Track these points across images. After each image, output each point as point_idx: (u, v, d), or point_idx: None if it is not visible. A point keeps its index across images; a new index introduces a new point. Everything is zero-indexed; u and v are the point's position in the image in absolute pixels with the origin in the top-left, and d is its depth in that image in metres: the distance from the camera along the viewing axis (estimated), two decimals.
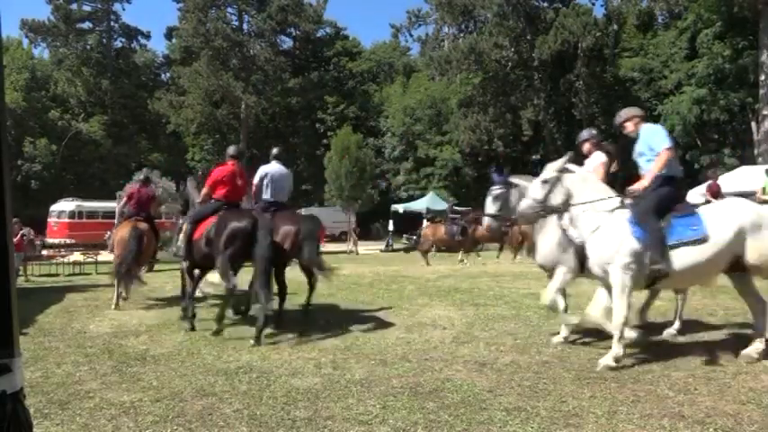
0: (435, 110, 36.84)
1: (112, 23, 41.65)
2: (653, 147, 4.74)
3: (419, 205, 26.64)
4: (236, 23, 39.13)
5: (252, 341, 5.19)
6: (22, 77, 37.42)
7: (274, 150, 7.04)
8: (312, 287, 6.64)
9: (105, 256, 15.75)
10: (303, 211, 36.30)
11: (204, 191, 6.36)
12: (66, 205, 26.53)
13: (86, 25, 41.10)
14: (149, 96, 42.57)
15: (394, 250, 24.20)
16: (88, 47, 40.31)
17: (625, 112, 5.08)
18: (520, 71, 34.20)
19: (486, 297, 8.12)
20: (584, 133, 5.88)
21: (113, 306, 7.54)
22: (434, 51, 35.57)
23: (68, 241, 22.84)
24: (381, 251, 24.26)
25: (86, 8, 40.36)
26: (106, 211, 23.85)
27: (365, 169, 27.65)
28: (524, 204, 4.79)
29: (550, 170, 4.78)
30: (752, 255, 4.33)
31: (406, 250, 24.35)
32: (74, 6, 39.73)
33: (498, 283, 9.82)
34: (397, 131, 37.82)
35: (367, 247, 25.40)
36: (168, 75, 44.61)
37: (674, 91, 29.85)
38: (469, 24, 36.55)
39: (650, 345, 4.97)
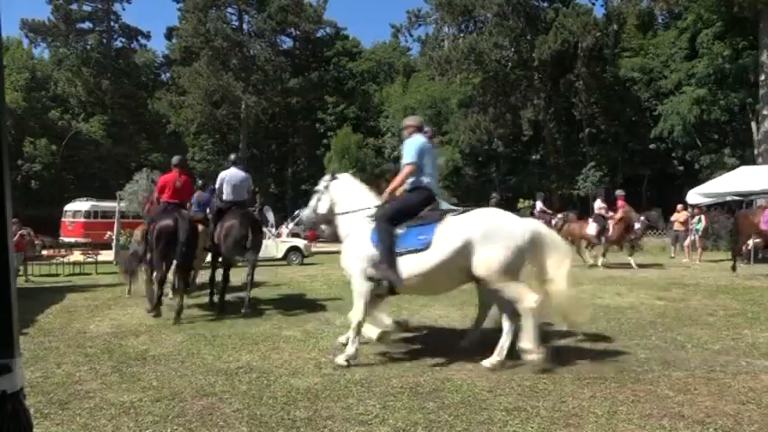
0: (435, 110, 36.83)
1: (112, 23, 41.63)
2: (403, 159, 4.71)
3: None
4: (236, 23, 39.11)
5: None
6: (22, 77, 37.41)
7: (231, 156, 8.15)
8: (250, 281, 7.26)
9: (105, 256, 15.79)
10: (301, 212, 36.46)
11: (155, 195, 7.55)
12: (81, 205, 27.18)
13: (86, 25, 41.08)
14: (149, 96, 42.57)
15: None
16: (88, 47, 40.29)
17: (406, 120, 5.05)
18: (520, 71, 34.20)
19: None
20: (411, 119, 5.78)
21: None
22: (434, 51, 35.50)
23: (82, 240, 23.59)
24: None
25: (86, 8, 40.33)
26: (124, 211, 24.63)
27: (365, 169, 27.66)
28: (304, 213, 5.27)
29: (322, 180, 5.13)
30: (476, 266, 4.26)
31: None
32: (74, 6, 39.71)
33: None
34: (397, 131, 37.84)
35: None
36: (168, 75, 44.58)
37: (674, 91, 29.86)
38: (469, 24, 36.52)
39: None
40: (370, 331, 4.73)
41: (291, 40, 42.56)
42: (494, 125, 32.99)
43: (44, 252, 15.98)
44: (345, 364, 4.33)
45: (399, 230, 4.40)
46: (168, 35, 43.58)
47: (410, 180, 4.66)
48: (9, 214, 1.03)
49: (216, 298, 7.43)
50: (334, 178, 5.15)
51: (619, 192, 13.94)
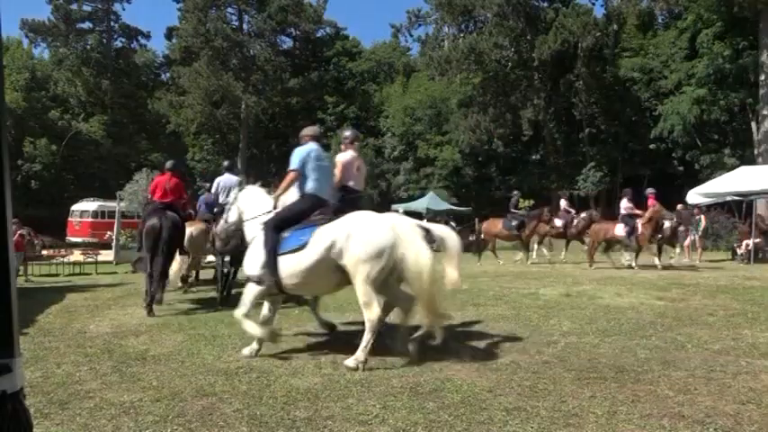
0: (435, 110, 36.84)
1: (112, 23, 41.64)
2: (289, 167, 5.03)
3: (419, 205, 26.64)
4: (236, 23, 39.11)
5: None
6: (22, 77, 37.42)
7: (225, 163, 9.00)
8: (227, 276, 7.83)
9: (105, 256, 15.79)
10: None
11: (149, 195, 8.35)
12: (88, 205, 27.54)
13: (86, 25, 41.09)
14: (149, 96, 42.56)
15: None
16: (88, 47, 40.28)
17: (303, 131, 5.34)
18: (520, 71, 34.20)
19: (486, 297, 8.11)
20: (347, 133, 6.02)
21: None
22: (434, 51, 35.51)
23: (90, 240, 24.21)
24: None
25: (86, 8, 40.34)
26: (125, 211, 24.98)
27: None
28: (219, 226, 5.70)
29: (233, 193, 5.57)
30: (345, 266, 4.41)
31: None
32: (74, 6, 39.71)
33: (498, 283, 9.82)
34: (397, 131, 37.83)
35: None
36: (168, 75, 44.59)
37: (674, 91, 29.87)
38: (469, 24, 36.53)
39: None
40: (252, 328, 4.82)
41: (291, 40, 42.58)
42: (494, 125, 33.00)
43: (44, 252, 15.99)
44: (248, 354, 4.69)
45: (285, 234, 4.69)
46: (168, 35, 43.58)
47: (296, 187, 5.01)
48: (9, 214, 1.03)
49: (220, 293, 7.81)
50: (242, 189, 5.61)
51: (649, 190, 13.52)
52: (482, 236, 16.08)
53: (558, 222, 15.71)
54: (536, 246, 16.16)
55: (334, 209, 4.99)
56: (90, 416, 3.34)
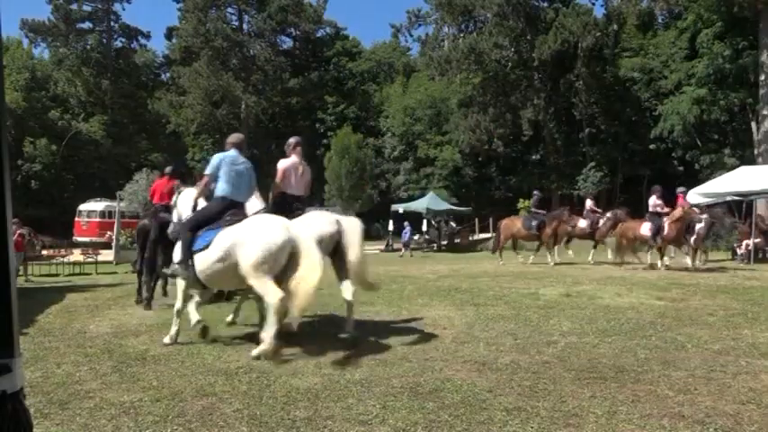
0: (435, 110, 36.85)
1: (112, 23, 41.66)
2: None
3: (419, 205, 26.66)
4: (236, 23, 39.15)
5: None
6: (22, 77, 37.43)
7: None
8: None
9: (105, 256, 15.80)
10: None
11: (149, 198, 8.96)
12: (96, 205, 27.87)
13: (86, 25, 41.12)
14: (149, 96, 42.58)
15: (394, 250, 24.19)
16: (88, 47, 40.31)
17: (229, 138, 5.72)
18: (520, 71, 34.22)
19: (486, 297, 8.12)
20: (290, 139, 6.29)
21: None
22: (434, 51, 35.54)
23: (98, 240, 24.58)
24: (381, 251, 24.25)
25: (86, 8, 40.37)
26: (131, 212, 25.79)
27: (365, 169, 27.68)
28: (170, 227, 6.08)
29: (175, 195, 6.11)
30: (239, 264, 4.76)
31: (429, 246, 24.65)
32: (74, 6, 39.74)
33: (498, 283, 9.82)
34: (397, 131, 37.84)
35: (367, 247, 25.34)
36: (168, 75, 44.62)
37: (674, 91, 29.88)
38: (469, 24, 36.56)
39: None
40: (193, 316, 5.36)
41: (291, 40, 42.64)
42: (494, 125, 33.01)
43: (44, 252, 16.00)
44: (168, 342, 5.16)
45: (199, 233, 5.12)
46: (168, 35, 43.63)
47: (211, 190, 5.45)
48: (9, 214, 1.03)
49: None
50: (180, 192, 6.05)
51: (680, 189, 13.13)
52: (500, 235, 15.73)
53: (583, 223, 15.33)
54: (556, 247, 15.50)
55: (267, 212, 5.43)
56: (90, 416, 3.34)
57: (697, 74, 28.42)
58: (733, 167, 21.36)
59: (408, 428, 3.10)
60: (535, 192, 17.25)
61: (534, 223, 14.70)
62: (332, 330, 5.78)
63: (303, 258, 4.71)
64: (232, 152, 5.43)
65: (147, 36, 43.37)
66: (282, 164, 5.89)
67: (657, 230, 12.20)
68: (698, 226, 12.27)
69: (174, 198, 6.24)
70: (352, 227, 5.54)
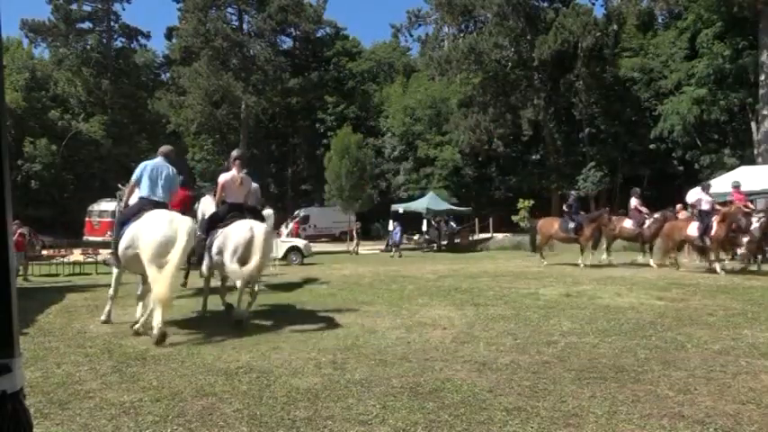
0: (435, 110, 36.83)
1: (112, 23, 41.62)
2: None
3: (419, 205, 26.66)
4: (236, 23, 39.13)
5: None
6: (22, 77, 37.41)
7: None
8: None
9: (105, 255, 15.78)
10: (302, 212, 36.34)
11: None
12: (107, 205, 28.24)
13: (86, 25, 41.08)
14: (149, 96, 42.56)
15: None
16: (88, 47, 40.27)
17: (160, 148, 6.66)
18: (520, 71, 34.19)
19: (486, 297, 8.12)
20: (233, 153, 7.25)
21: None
22: (434, 51, 35.53)
23: (108, 240, 24.67)
24: (382, 251, 24.26)
25: (86, 8, 40.33)
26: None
27: (365, 169, 27.67)
28: None
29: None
30: (138, 253, 5.67)
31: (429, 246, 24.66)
32: (74, 6, 39.70)
33: (498, 283, 9.82)
34: (397, 131, 37.82)
35: (367, 247, 25.41)
36: (168, 75, 44.60)
37: (674, 91, 29.85)
38: (469, 24, 36.55)
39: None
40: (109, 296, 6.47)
41: (291, 40, 42.64)
42: (494, 125, 32.99)
43: (44, 252, 16.01)
44: (141, 330, 5.67)
45: (125, 227, 5.93)
46: (168, 35, 43.62)
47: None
48: (9, 214, 1.03)
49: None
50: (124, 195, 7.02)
51: (734, 183, 12.32)
52: (537, 236, 15.17)
53: (629, 223, 14.50)
54: (603, 248, 14.97)
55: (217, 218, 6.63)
56: (90, 416, 3.34)
57: (697, 74, 28.40)
58: (733, 167, 21.35)
59: (408, 428, 3.10)
60: (572, 192, 16.45)
61: (572, 225, 13.99)
62: (327, 329, 5.78)
63: (174, 249, 5.45)
64: (157, 159, 6.31)
65: (147, 36, 43.37)
66: (222, 178, 6.86)
67: (705, 230, 11.43)
68: (753, 225, 11.19)
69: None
70: (261, 234, 6.22)
